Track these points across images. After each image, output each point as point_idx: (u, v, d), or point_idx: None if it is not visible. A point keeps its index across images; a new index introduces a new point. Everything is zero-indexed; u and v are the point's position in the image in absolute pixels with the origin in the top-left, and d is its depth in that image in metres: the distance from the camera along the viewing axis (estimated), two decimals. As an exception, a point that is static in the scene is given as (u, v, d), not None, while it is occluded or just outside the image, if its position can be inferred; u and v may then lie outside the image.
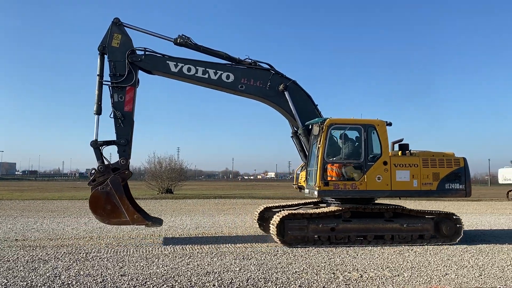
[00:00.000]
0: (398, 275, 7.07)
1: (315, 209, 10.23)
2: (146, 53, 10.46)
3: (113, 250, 9.09)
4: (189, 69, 10.58)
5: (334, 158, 10.19)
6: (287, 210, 10.62)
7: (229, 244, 9.89)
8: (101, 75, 10.16)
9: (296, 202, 12.15)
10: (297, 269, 7.37)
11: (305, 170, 11.37)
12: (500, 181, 36.00)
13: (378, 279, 6.81)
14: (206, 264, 7.73)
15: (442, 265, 7.88)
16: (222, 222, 14.78)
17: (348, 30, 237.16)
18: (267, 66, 11.13)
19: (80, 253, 8.65)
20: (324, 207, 10.57)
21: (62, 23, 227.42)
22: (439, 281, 6.76)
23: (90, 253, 8.72)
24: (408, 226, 10.01)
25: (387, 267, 7.64)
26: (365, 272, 7.23)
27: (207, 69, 10.67)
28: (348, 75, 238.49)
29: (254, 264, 7.72)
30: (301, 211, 10.10)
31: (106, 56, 10.26)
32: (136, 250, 9.05)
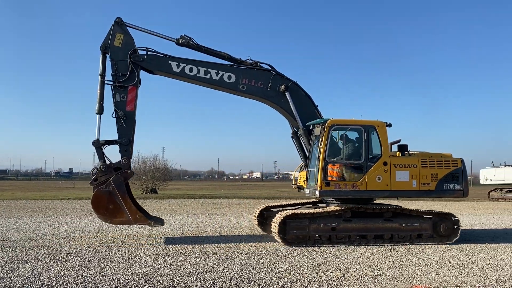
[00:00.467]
0: (380, 275, 7.12)
1: (317, 209, 10.30)
2: (149, 53, 10.46)
3: (95, 250, 8.97)
4: (191, 69, 10.60)
5: (335, 159, 10.30)
6: (288, 210, 10.70)
7: (213, 244, 9.85)
8: (103, 75, 10.11)
9: (297, 202, 12.22)
10: (280, 269, 7.38)
11: (304, 170, 11.46)
12: (482, 182, 36.56)
13: (360, 278, 6.86)
14: (189, 264, 7.68)
15: (424, 264, 7.97)
16: (206, 222, 14.72)
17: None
18: (268, 67, 11.19)
19: (60, 254, 8.51)
20: (324, 207, 10.66)
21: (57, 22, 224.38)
22: (420, 280, 6.84)
23: (71, 253, 8.59)
24: (407, 225, 10.16)
25: (370, 267, 7.69)
26: (348, 272, 7.27)
27: (208, 70, 10.70)
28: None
29: (237, 264, 7.70)
30: (302, 210, 10.17)
31: (108, 56, 10.21)
32: (118, 250, 8.95)
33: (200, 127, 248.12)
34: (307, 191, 10.90)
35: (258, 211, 12.05)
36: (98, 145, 9.85)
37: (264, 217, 11.90)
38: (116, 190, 9.54)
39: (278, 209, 11.76)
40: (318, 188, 9.93)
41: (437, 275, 7.15)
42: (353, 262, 8.08)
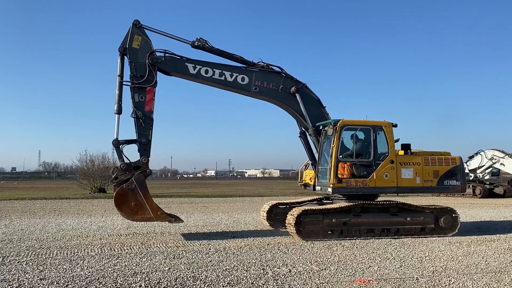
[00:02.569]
0: (325, 269, 7.29)
1: (330, 205, 10.82)
2: (166, 55, 10.70)
3: (34, 253, 8.56)
4: (206, 71, 10.95)
5: (347, 157, 10.84)
6: (303, 206, 11.23)
7: (160, 244, 9.69)
8: (121, 76, 10.34)
9: (306, 199, 12.67)
10: (227, 267, 7.37)
11: (310, 169, 12.16)
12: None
13: (305, 273, 6.98)
14: (134, 264, 7.50)
15: (367, 258, 8.24)
16: (154, 221, 14.39)
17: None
18: (279, 69, 11.58)
19: (-4, 257, 8.05)
20: (329, 204, 11.24)
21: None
22: (363, 273, 7.06)
23: (7, 256, 8.14)
24: (412, 219, 10.75)
25: (315, 262, 7.85)
26: (294, 267, 7.38)
27: (223, 72, 11.07)
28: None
29: (184, 263, 7.61)
30: (316, 206, 10.73)
31: (126, 57, 10.39)
32: (60, 252, 8.59)
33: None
34: (318, 188, 11.42)
35: (267, 208, 12.34)
36: (118, 144, 10.07)
37: (273, 213, 12.25)
38: (139, 189, 9.82)
39: (285, 206, 12.25)
40: (331, 185, 10.51)
41: (379, 268, 7.42)
42: (300, 257, 8.22)
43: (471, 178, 32.18)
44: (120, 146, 10.13)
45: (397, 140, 11.37)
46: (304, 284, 6.30)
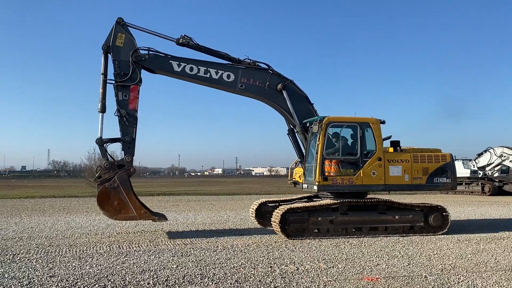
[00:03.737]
0: (333, 267, 7.27)
1: (315, 203, 10.64)
2: (150, 52, 10.63)
3: (44, 250, 8.64)
4: (191, 69, 10.87)
5: (333, 155, 10.68)
6: (288, 204, 11.03)
7: (169, 242, 9.73)
8: (105, 74, 10.30)
9: (294, 197, 12.53)
10: (235, 264, 7.38)
11: (299, 166, 11.90)
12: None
13: (313, 271, 6.97)
14: (143, 262, 7.54)
15: (375, 256, 8.21)
16: (138, 220, 14.43)
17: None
18: (266, 66, 11.46)
19: (6, 255, 8.14)
20: (319, 201, 11.00)
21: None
22: (371, 271, 7.04)
23: (17, 254, 8.23)
24: (400, 218, 10.58)
25: (323, 259, 7.84)
26: (302, 265, 7.38)
27: (208, 69, 10.97)
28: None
29: (192, 261, 7.64)
30: (301, 204, 10.50)
31: (110, 55, 10.33)
32: (69, 250, 8.66)
33: (160, 123, 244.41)
34: (305, 185, 11.26)
35: (256, 206, 12.25)
36: (102, 143, 10.08)
37: (261, 211, 12.17)
38: (121, 187, 9.76)
39: (274, 204, 12.10)
40: (316, 183, 10.34)
41: (387, 266, 7.39)
42: (308, 255, 8.21)
43: (480, 176, 31.93)
44: (105, 145, 10.13)
45: (389, 137, 11.27)
46: (312, 282, 6.30)
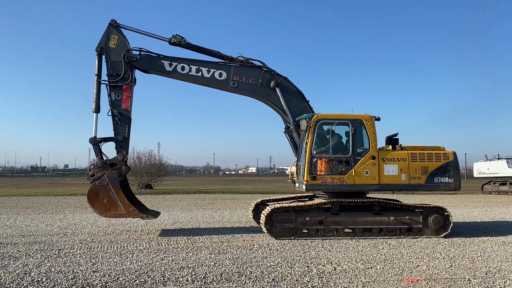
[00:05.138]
0: (371, 268, 7.15)
1: (302, 203, 10.37)
2: (142, 53, 10.77)
3: (86, 246, 8.96)
4: (183, 68, 10.93)
5: (322, 153, 10.37)
6: (277, 203, 10.84)
7: (206, 239, 9.86)
8: (99, 75, 10.52)
9: (292, 196, 12.35)
10: (271, 263, 7.39)
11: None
12: (475, 175, 36.72)
13: (351, 271, 6.88)
14: (181, 259, 7.68)
15: (415, 257, 8.01)
16: (200, 217, 14.72)
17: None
18: (260, 64, 11.35)
19: (52, 250, 8.49)
20: (307, 201, 10.68)
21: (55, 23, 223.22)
22: (411, 272, 6.87)
23: (62, 249, 8.57)
24: (396, 219, 10.14)
25: (361, 260, 7.72)
26: (339, 265, 7.30)
27: (200, 68, 10.97)
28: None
29: (229, 259, 7.71)
30: (289, 204, 10.26)
31: (103, 57, 10.55)
32: (111, 246, 8.94)
33: (196, 122, 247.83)
34: (297, 185, 11.06)
35: (253, 205, 12.17)
36: (95, 142, 10.32)
37: (259, 211, 11.92)
38: (110, 185, 9.93)
39: (272, 203, 11.81)
40: (305, 182, 10.08)
41: (427, 268, 7.19)
42: (345, 255, 8.11)
43: None
44: (99, 144, 10.34)
45: (395, 135, 10.91)
46: (349, 283, 6.22)
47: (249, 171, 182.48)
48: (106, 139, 10.44)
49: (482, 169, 35.35)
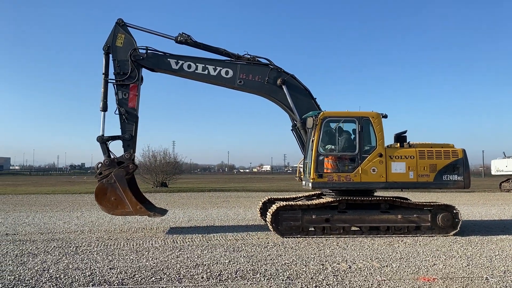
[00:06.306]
0: (387, 266, 7.10)
1: (309, 201, 10.33)
2: (148, 51, 10.84)
3: (103, 243, 9.08)
4: (189, 66, 10.96)
5: (329, 151, 10.31)
6: (284, 201, 10.77)
7: (220, 237, 9.91)
8: (106, 74, 10.63)
9: (300, 195, 12.30)
10: (286, 261, 7.40)
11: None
12: (493, 172, 36.14)
13: (366, 270, 6.84)
14: (196, 256, 7.74)
15: (431, 256, 7.93)
16: (214, 215, 14.80)
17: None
18: (266, 61, 11.32)
19: (70, 247, 8.63)
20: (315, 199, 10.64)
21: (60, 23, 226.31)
22: (427, 271, 6.80)
23: (80, 246, 8.71)
24: (404, 217, 10.01)
25: (376, 258, 7.67)
26: (354, 263, 7.26)
27: (206, 66, 11.00)
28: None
29: (244, 256, 7.74)
30: (297, 202, 10.22)
31: (110, 55, 10.66)
32: (127, 244, 9.04)
33: (210, 121, 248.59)
34: (304, 183, 11.03)
35: (261, 204, 12.19)
36: (103, 140, 10.43)
37: (267, 209, 11.95)
38: (118, 183, 10.04)
39: (279, 201, 11.84)
40: (311, 180, 10.04)
41: (444, 266, 7.11)
42: (360, 253, 8.07)
43: None
44: (107, 142, 10.44)
45: (404, 132, 10.76)
46: (365, 281, 6.18)
47: (263, 169, 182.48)
48: (114, 138, 10.55)
49: (500, 166, 34.75)
